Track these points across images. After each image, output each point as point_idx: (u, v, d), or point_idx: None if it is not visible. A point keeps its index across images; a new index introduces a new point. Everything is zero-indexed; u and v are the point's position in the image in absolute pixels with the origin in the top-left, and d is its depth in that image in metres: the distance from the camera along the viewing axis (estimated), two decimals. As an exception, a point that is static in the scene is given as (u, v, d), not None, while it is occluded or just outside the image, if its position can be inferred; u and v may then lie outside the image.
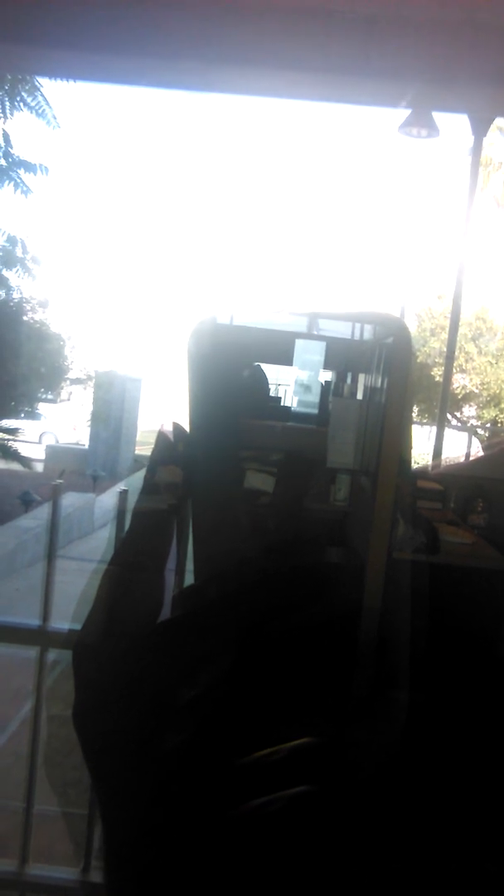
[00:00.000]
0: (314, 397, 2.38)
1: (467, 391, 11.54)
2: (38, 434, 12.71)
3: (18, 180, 8.28)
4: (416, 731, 0.83)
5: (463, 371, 11.30)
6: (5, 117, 8.05)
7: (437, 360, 10.85)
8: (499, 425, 11.53)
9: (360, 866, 0.68)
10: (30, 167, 8.31)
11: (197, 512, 1.79)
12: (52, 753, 2.05)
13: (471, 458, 5.99)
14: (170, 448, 1.23)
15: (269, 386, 2.51)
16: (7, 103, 7.95)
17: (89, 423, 11.99)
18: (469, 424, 11.55)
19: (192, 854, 0.69)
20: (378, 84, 0.88)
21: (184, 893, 0.69)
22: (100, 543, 7.75)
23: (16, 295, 9.97)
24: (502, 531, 2.53)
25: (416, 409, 10.51)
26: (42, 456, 11.78)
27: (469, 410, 12.01)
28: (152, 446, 1.18)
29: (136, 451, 11.88)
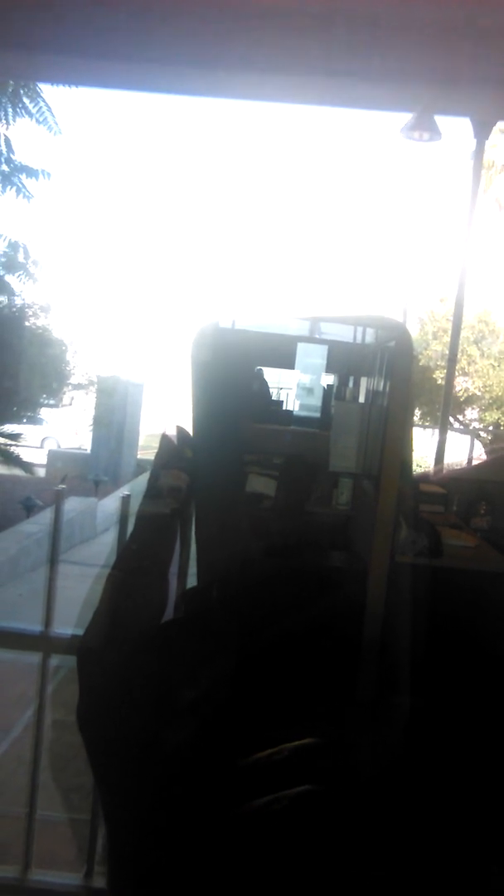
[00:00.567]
0: (316, 401, 2.38)
1: (470, 394, 11.53)
2: (41, 439, 12.73)
3: (20, 186, 8.31)
4: (419, 733, 0.83)
5: (465, 374, 11.30)
6: (7, 123, 8.09)
7: (439, 363, 10.86)
8: (501, 428, 11.52)
9: (363, 865, 0.68)
10: (32, 172, 8.33)
11: (200, 515, 1.79)
12: (54, 759, 2.05)
13: (474, 464, 5.99)
14: (174, 452, 1.23)
15: (271, 390, 2.51)
16: (9, 109, 7.98)
17: (91, 427, 12.00)
18: (471, 427, 11.54)
19: (195, 854, 0.69)
20: (380, 88, 0.88)
21: (187, 893, 0.69)
22: (102, 548, 7.75)
23: (18, 300, 10.00)
24: (505, 534, 2.52)
25: (418, 411, 10.51)
26: (44, 461, 11.80)
27: (471, 413, 12.01)
28: (156, 450, 1.18)
29: (139, 456, 11.89)
